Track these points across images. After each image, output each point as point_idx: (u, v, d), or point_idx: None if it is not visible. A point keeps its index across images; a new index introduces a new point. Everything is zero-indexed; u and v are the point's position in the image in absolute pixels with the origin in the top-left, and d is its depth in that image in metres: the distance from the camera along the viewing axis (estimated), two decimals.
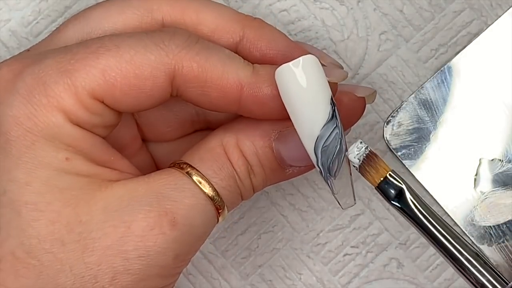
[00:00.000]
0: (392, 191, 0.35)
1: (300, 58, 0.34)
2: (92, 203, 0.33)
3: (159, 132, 0.39)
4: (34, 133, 0.33)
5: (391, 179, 0.35)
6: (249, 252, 0.43)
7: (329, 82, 0.35)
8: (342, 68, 0.38)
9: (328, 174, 0.35)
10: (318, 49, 0.38)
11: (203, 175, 0.35)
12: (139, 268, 0.33)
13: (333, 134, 0.34)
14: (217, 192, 0.35)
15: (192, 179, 0.35)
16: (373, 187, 0.42)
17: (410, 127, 0.42)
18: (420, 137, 0.42)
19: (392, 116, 0.42)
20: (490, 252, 0.42)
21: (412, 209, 0.35)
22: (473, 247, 0.34)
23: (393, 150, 0.42)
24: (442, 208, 0.42)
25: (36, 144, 0.33)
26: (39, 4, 0.43)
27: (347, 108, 0.36)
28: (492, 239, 0.42)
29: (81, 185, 0.33)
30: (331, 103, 0.34)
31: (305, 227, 0.43)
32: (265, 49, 0.36)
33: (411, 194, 0.35)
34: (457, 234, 0.34)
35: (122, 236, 0.33)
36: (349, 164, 0.35)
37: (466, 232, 0.42)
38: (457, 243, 0.34)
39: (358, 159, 0.34)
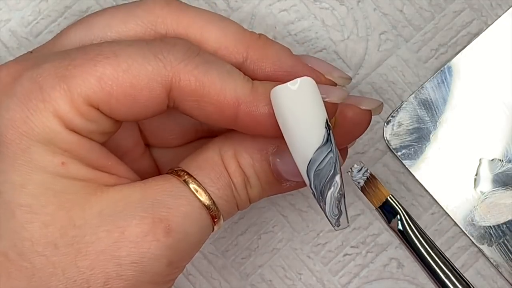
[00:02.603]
0: (391, 215, 0.35)
1: (298, 79, 0.33)
2: (86, 207, 0.33)
3: (162, 138, 0.38)
4: (30, 137, 0.33)
5: (391, 201, 0.35)
6: (249, 252, 0.43)
7: (329, 103, 0.34)
8: (350, 79, 0.38)
9: (320, 197, 0.34)
10: (326, 63, 0.38)
11: (200, 183, 0.35)
12: (131, 274, 0.33)
13: (327, 159, 0.34)
14: (213, 201, 0.35)
15: (189, 187, 0.34)
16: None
17: (410, 127, 0.42)
18: (420, 137, 0.42)
19: (392, 116, 0.42)
20: (490, 252, 0.42)
21: (409, 234, 0.35)
22: (465, 279, 0.34)
23: (393, 150, 0.42)
24: (442, 208, 0.42)
25: (32, 148, 0.33)
26: (39, 4, 0.43)
27: (351, 122, 0.36)
28: (492, 239, 0.42)
29: (76, 189, 0.33)
30: (326, 127, 0.34)
31: (305, 227, 0.43)
32: (269, 71, 0.36)
33: (408, 219, 0.35)
34: (450, 264, 0.34)
35: (116, 242, 0.33)
36: (342, 188, 0.34)
37: (466, 232, 0.42)
38: (450, 272, 0.34)
39: (361, 180, 0.34)
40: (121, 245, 0.33)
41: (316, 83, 0.34)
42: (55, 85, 0.33)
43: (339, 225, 0.35)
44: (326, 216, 0.35)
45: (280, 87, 0.33)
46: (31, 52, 0.36)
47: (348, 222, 0.35)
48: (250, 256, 0.43)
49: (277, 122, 0.34)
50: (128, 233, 0.33)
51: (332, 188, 0.34)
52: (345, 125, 0.35)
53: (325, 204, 0.34)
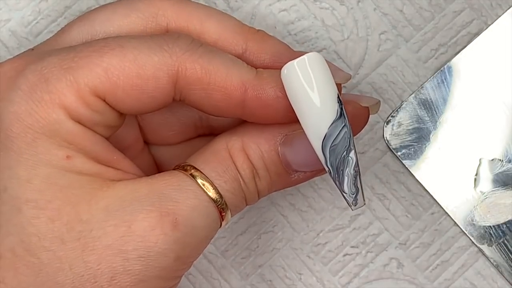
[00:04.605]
0: None
1: (305, 55, 0.34)
2: (93, 202, 0.33)
3: (162, 135, 0.38)
4: (35, 130, 0.33)
5: None
6: (249, 252, 0.43)
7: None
8: (350, 77, 0.38)
9: (336, 175, 0.34)
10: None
11: (207, 177, 0.35)
12: (138, 269, 0.33)
13: (342, 133, 0.34)
14: (221, 194, 0.35)
15: (196, 181, 0.34)
16: (373, 187, 0.43)
17: (410, 127, 0.42)
18: (420, 137, 0.42)
19: (392, 116, 0.42)
20: (490, 252, 0.42)
21: None
22: None
23: (393, 150, 0.42)
24: (443, 208, 0.42)
25: (37, 141, 0.33)
26: (39, 4, 0.43)
27: (351, 117, 0.36)
28: (492, 239, 0.42)
29: (82, 184, 0.33)
30: (338, 101, 0.34)
31: (305, 227, 0.43)
32: (268, 62, 0.36)
33: None
34: None
35: (123, 236, 0.33)
36: (358, 164, 0.34)
37: (466, 232, 0.42)
38: None
39: None
40: (128, 239, 0.33)
41: None
42: (61, 77, 0.33)
43: (356, 204, 0.35)
44: (343, 196, 0.35)
45: (289, 64, 0.33)
46: (32, 49, 0.37)
47: (364, 201, 0.35)
48: (250, 256, 0.43)
49: (285, 105, 0.34)
50: (135, 227, 0.33)
51: (349, 165, 0.34)
52: None
53: (342, 182, 0.34)
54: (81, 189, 0.33)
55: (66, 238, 0.33)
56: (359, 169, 0.34)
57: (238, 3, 0.43)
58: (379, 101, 0.38)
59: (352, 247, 0.43)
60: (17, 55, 0.36)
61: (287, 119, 0.34)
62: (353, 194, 0.35)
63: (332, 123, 0.34)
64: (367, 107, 0.37)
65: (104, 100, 0.34)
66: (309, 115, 0.34)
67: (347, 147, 0.34)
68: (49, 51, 0.35)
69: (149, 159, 0.39)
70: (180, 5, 0.36)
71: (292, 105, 0.34)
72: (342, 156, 0.34)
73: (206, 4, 0.42)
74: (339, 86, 0.35)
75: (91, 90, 0.33)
